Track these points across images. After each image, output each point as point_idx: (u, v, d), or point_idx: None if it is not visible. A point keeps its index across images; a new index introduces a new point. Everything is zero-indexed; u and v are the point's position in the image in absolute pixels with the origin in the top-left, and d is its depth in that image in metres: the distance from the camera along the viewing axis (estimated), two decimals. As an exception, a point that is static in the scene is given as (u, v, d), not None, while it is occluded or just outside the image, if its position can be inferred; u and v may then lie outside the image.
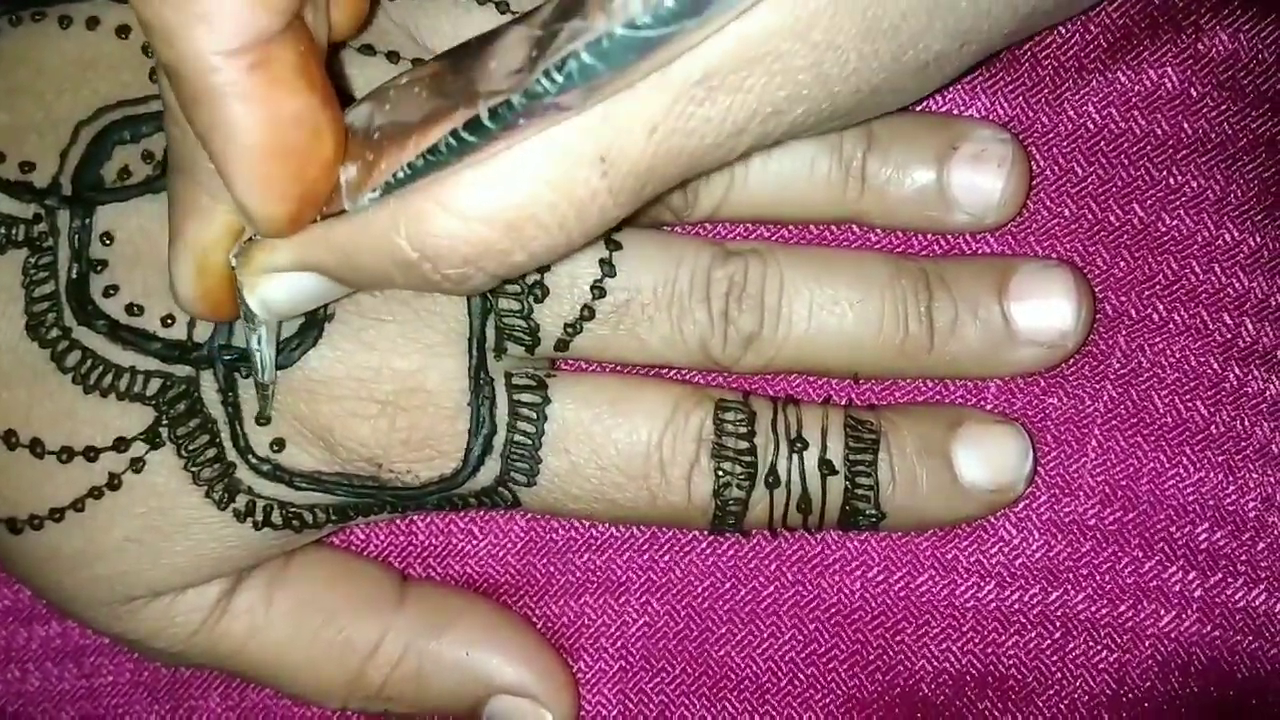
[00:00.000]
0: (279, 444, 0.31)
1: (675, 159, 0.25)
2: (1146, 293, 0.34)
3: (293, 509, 0.32)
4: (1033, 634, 0.35)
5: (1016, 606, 0.35)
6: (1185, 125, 0.34)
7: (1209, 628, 0.35)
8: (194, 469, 0.31)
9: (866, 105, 0.26)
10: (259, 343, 0.29)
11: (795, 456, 0.32)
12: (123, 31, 0.31)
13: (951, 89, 0.34)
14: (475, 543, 0.36)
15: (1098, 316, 0.34)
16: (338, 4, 0.27)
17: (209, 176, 0.26)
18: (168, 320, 0.31)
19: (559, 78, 0.22)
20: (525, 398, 0.32)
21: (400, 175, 0.24)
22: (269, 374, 0.30)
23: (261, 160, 0.24)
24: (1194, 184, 0.34)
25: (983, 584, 0.35)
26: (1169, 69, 0.34)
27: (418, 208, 0.25)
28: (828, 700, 0.36)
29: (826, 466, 0.32)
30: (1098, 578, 0.35)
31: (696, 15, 0.22)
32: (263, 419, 0.31)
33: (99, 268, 0.31)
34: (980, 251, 0.35)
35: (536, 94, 0.23)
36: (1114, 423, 0.35)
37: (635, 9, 0.21)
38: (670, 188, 0.26)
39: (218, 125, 0.24)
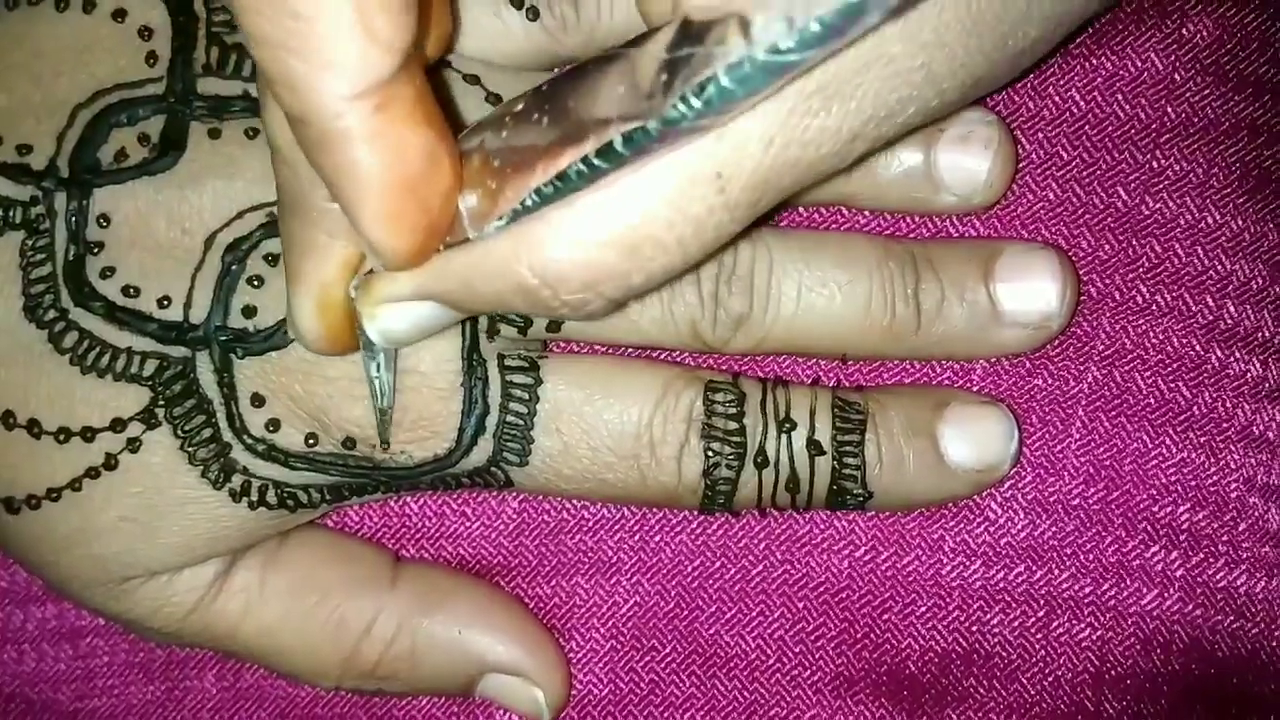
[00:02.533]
0: (274, 424, 0.32)
1: (791, 170, 0.25)
2: (1130, 275, 0.35)
3: (288, 489, 0.32)
4: (1017, 612, 0.35)
5: (1001, 585, 0.35)
6: (1169, 109, 0.35)
7: (1191, 607, 0.35)
8: (190, 449, 0.32)
9: (968, 97, 0.27)
10: (377, 370, 0.30)
11: (784, 437, 0.33)
12: (119, 15, 0.31)
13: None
14: (468, 524, 0.37)
15: (1082, 298, 0.35)
16: (427, 31, 0.27)
17: (323, 215, 0.27)
18: (164, 301, 0.31)
19: (696, 102, 0.22)
20: (517, 378, 0.32)
21: (529, 202, 0.24)
22: (388, 400, 0.30)
23: (389, 198, 0.24)
24: (1177, 168, 0.35)
25: (968, 563, 0.35)
26: (1153, 54, 0.34)
27: (538, 234, 0.25)
28: (816, 678, 0.36)
29: (814, 447, 0.33)
30: (1081, 557, 0.35)
31: (839, 37, 0.21)
32: (384, 444, 0.31)
33: (96, 249, 0.31)
34: (967, 234, 0.35)
35: (672, 119, 0.22)
36: (1098, 404, 0.35)
37: (778, 34, 0.21)
38: (785, 199, 0.26)
39: (345, 168, 0.24)
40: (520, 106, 0.25)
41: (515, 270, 0.25)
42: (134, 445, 0.31)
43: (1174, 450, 0.35)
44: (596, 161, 0.23)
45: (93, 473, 0.31)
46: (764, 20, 0.21)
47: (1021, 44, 0.26)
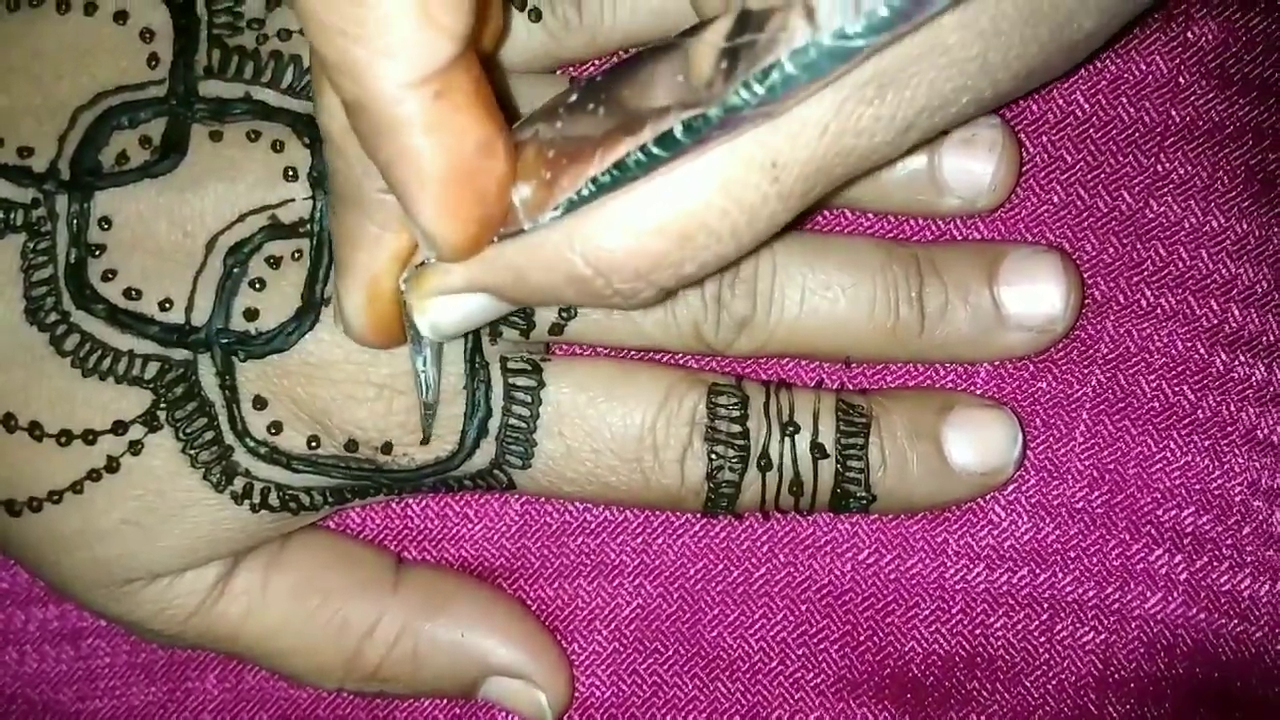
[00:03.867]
0: (276, 427, 0.32)
1: (844, 159, 0.25)
2: (1134, 278, 0.35)
3: (290, 491, 0.32)
4: (1021, 615, 0.35)
5: (1005, 588, 0.35)
6: (1173, 113, 0.34)
7: (1195, 610, 0.35)
8: (192, 452, 0.31)
9: (1020, 88, 0.26)
10: (424, 364, 0.30)
11: (787, 440, 0.33)
12: (120, 17, 0.31)
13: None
14: (470, 526, 0.37)
15: (1086, 302, 0.35)
16: (484, 24, 0.27)
17: (375, 206, 0.27)
18: (165, 304, 0.31)
19: (759, 89, 0.22)
20: (520, 381, 0.32)
21: (585, 192, 0.24)
22: (433, 394, 0.30)
23: (446, 187, 0.24)
24: (1181, 171, 0.34)
25: (972, 566, 0.35)
26: (1158, 57, 0.34)
27: (592, 223, 0.25)
28: (819, 680, 0.36)
29: (818, 450, 0.33)
30: (1085, 560, 0.35)
31: (906, 22, 0.21)
32: (426, 440, 0.31)
33: (97, 252, 0.31)
34: (971, 237, 0.35)
35: (735, 106, 0.22)
36: (1102, 407, 0.35)
37: (845, 19, 0.21)
38: (837, 188, 0.26)
39: (403, 155, 0.24)
40: (574, 97, 0.25)
41: (568, 260, 0.25)
42: (136, 448, 0.31)
43: (1178, 454, 0.35)
44: (655, 150, 0.23)
45: (94, 475, 0.31)
46: (830, 5, 0.21)
47: (1076, 35, 0.26)
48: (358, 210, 0.27)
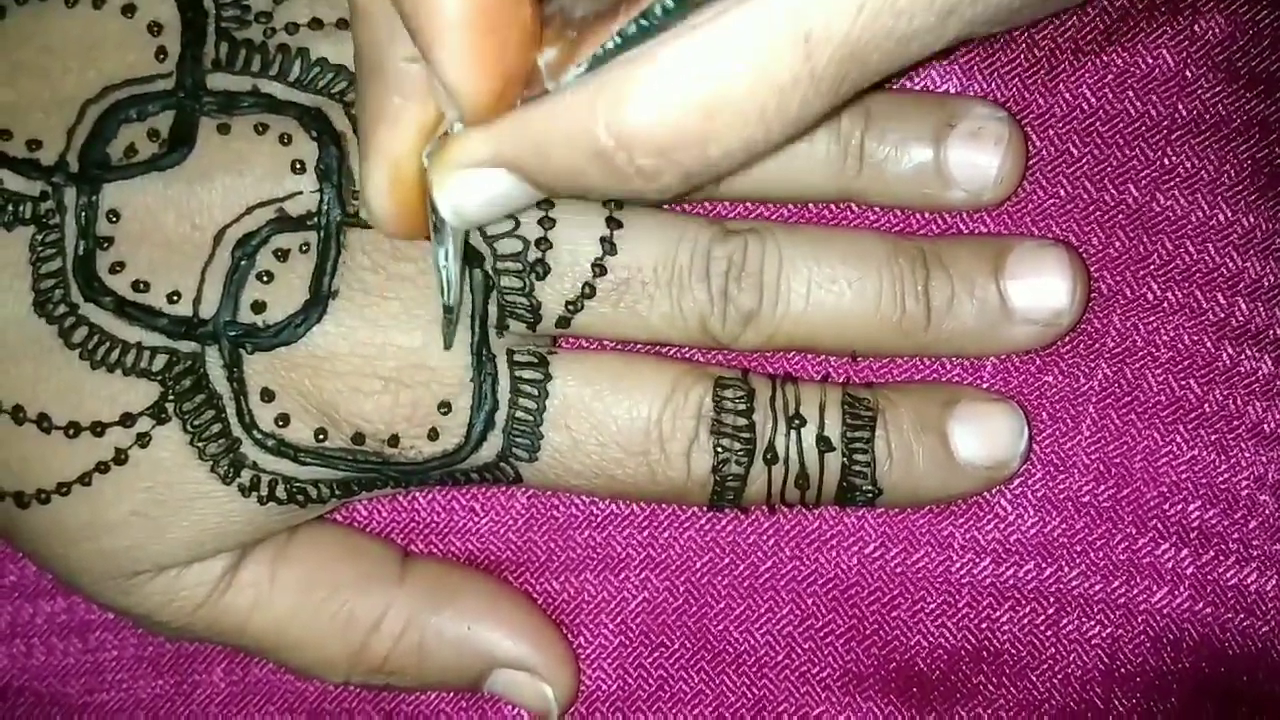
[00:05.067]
0: (283, 419, 0.32)
1: (881, 43, 0.23)
2: (1141, 272, 0.35)
3: (297, 484, 0.32)
4: (1027, 609, 0.35)
5: (1011, 582, 0.35)
6: (1180, 106, 0.34)
7: (1201, 605, 0.35)
8: (199, 444, 0.32)
9: None
10: (445, 258, 0.29)
11: (793, 433, 0.33)
12: (128, 10, 0.31)
13: (949, 70, 0.35)
14: (477, 519, 0.37)
15: (1092, 295, 0.35)
16: None
17: (399, 76, 0.26)
18: (173, 297, 0.31)
19: None
20: (527, 374, 0.32)
21: (611, 45, 0.24)
22: (454, 294, 0.30)
23: (469, 33, 0.24)
24: (1188, 164, 0.34)
25: (978, 560, 0.35)
26: (1164, 51, 0.34)
27: (615, 90, 0.24)
28: (825, 674, 0.36)
29: (824, 443, 0.33)
30: (1091, 554, 0.35)
31: None
32: (447, 345, 0.31)
33: (105, 244, 0.31)
34: (977, 231, 0.35)
35: None
36: (1108, 401, 0.35)
37: None
38: (871, 85, 0.25)
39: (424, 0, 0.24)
40: None
41: (590, 130, 0.24)
42: (143, 440, 0.31)
43: (1184, 447, 0.35)
44: None
45: (102, 467, 0.31)
46: None
47: None
48: (381, 82, 0.27)
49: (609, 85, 0.24)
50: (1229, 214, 0.34)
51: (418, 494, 0.36)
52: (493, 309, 0.32)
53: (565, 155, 0.25)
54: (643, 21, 0.23)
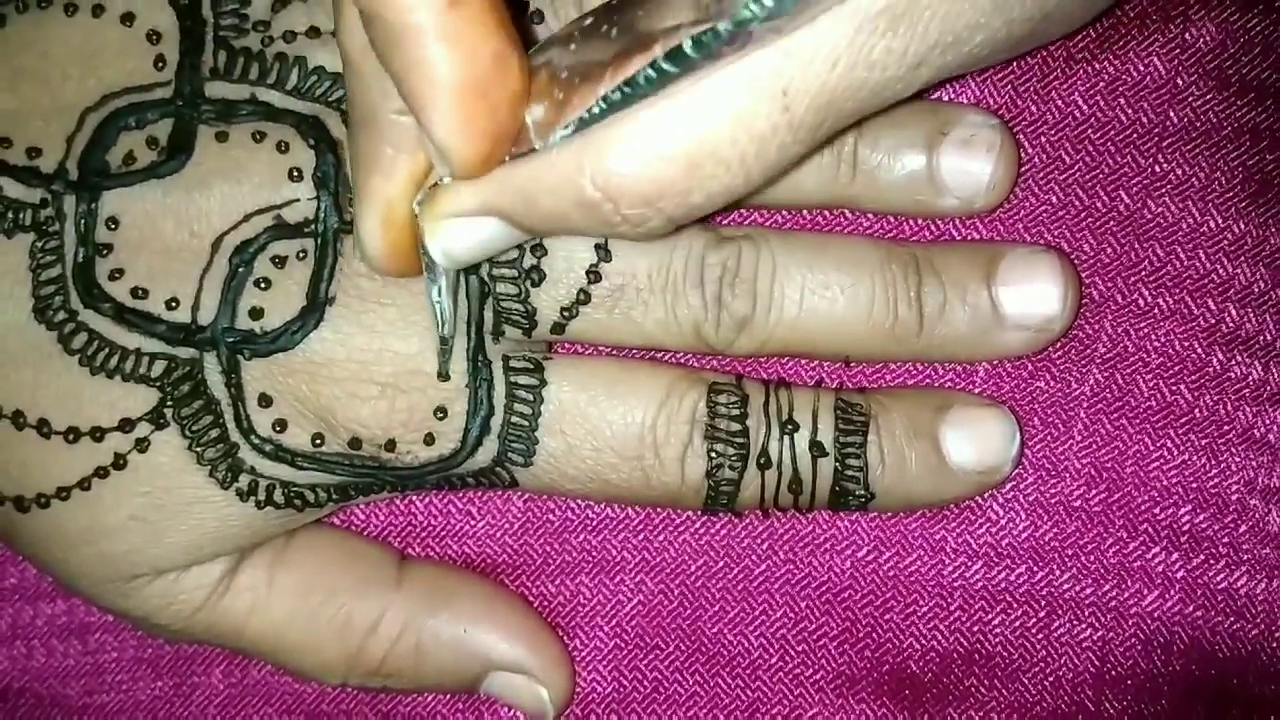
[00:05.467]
0: (281, 425, 0.32)
1: (855, 93, 0.24)
2: (1132, 278, 0.35)
3: (294, 488, 0.33)
4: (1018, 613, 0.35)
5: (1003, 586, 0.35)
6: (1171, 114, 0.35)
7: (1191, 608, 0.35)
8: (198, 449, 0.32)
9: (1036, 34, 0.26)
10: (439, 294, 0.30)
11: (786, 438, 0.33)
12: (127, 19, 0.32)
13: (942, 78, 0.35)
14: (473, 523, 0.37)
15: (1084, 301, 0.35)
16: None
17: (390, 128, 0.27)
18: (172, 303, 0.31)
19: (768, 1, 0.22)
20: (522, 380, 0.32)
21: (596, 110, 0.25)
22: (449, 327, 0.31)
23: (459, 97, 0.25)
24: (1179, 171, 0.35)
25: (970, 564, 0.36)
26: (1156, 59, 0.35)
27: (601, 145, 0.25)
28: (818, 677, 0.36)
29: (817, 448, 0.33)
30: (1082, 558, 0.35)
31: None
32: (443, 376, 0.32)
33: (104, 251, 0.31)
34: (969, 237, 0.35)
35: (743, 19, 0.22)
36: (1100, 406, 0.35)
37: None
38: (845, 127, 0.26)
39: (417, 64, 0.24)
40: (589, 22, 0.26)
41: (577, 182, 0.25)
42: (142, 445, 0.32)
43: (1175, 452, 0.35)
44: (665, 66, 0.23)
45: (102, 472, 0.32)
46: None
47: None
48: (373, 133, 0.27)
49: (593, 141, 0.25)
50: (1219, 220, 0.35)
51: (415, 498, 0.37)
52: (488, 315, 0.32)
53: (552, 205, 0.26)
54: (626, 89, 0.24)
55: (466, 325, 0.32)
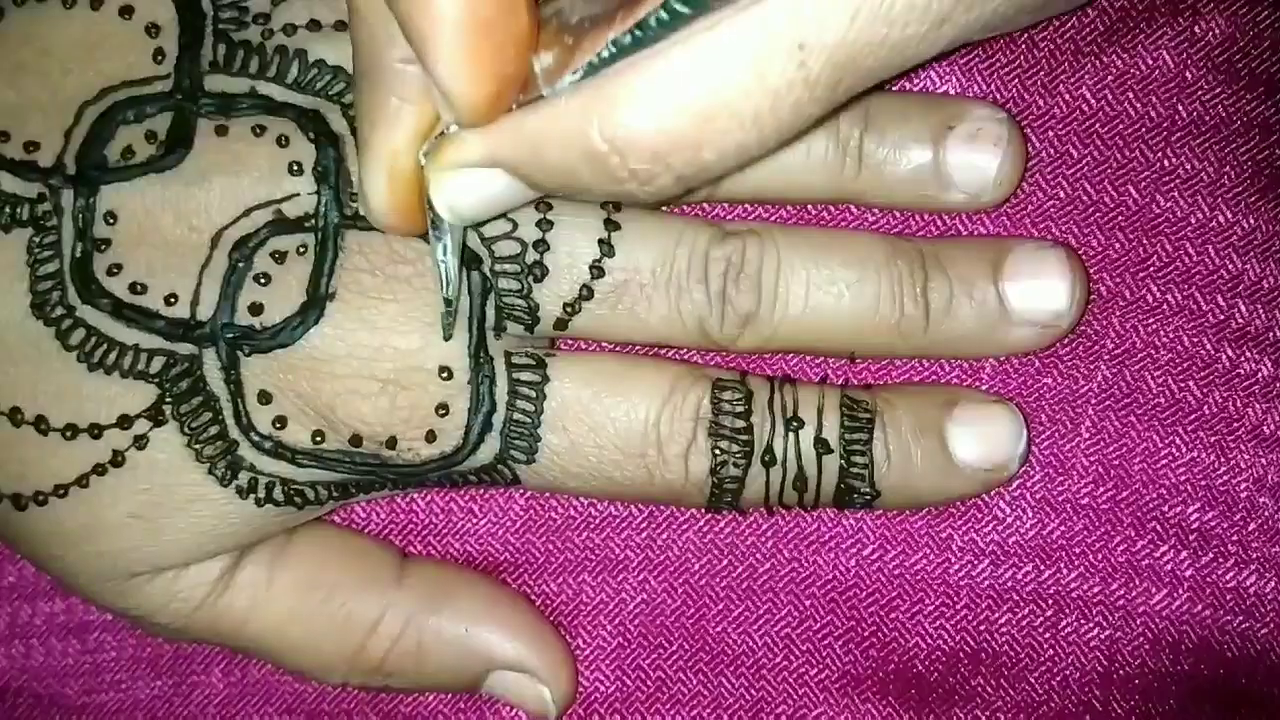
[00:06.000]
0: (281, 421, 0.32)
1: (875, 50, 0.24)
2: (1141, 274, 0.35)
3: (294, 486, 0.32)
4: (1025, 611, 0.35)
5: (1010, 584, 0.35)
6: (1180, 108, 0.34)
7: (1200, 607, 0.35)
8: (197, 446, 0.32)
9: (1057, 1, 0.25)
10: (444, 253, 0.29)
11: (791, 435, 0.33)
12: (126, 12, 0.31)
13: (948, 71, 0.35)
14: (475, 521, 0.37)
15: (1092, 297, 0.34)
16: None
17: (396, 77, 0.27)
18: (170, 299, 0.31)
19: None
20: (525, 376, 0.32)
21: (605, 54, 0.24)
22: (453, 288, 0.30)
23: (465, 36, 0.24)
24: (1188, 166, 0.34)
25: (977, 562, 0.35)
26: (1164, 52, 0.34)
27: (610, 95, 0.24)
28: (823, 676, 0.36)
29: (822, 445, 0.33)
30: (1090, 556, 0.35)
31: None
32: (446, 337, 0.31)
33: (103, 247, 0.31)
34: (976, 232, 0.35)
35: None
36: (1108, 403, 0.35)
37: None
38: (866, 90, 0.25)
39: (422, 3, 0.24)
40: None
41: (585, 134, 0.24)
42: (141, 442, 0.31)
43: (1184, 450, 0.35)
44: (678, 7, 0.23)
45: (100, 469, 0.31)
46: None
47: None
48: (379, 83, 0.27)
49: (603, 90, 0.24)
50: (1229, 216, 0.34)
51: (416, 495, 0.36)
52: (490, 311, 0.32)
53: (560, 157, 0.25)
54: (638, 32, 0.24)
55: (469, 321, 0.32)
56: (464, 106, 0.25)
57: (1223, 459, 0.35)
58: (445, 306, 0.31)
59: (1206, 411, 0.35)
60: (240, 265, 0.31)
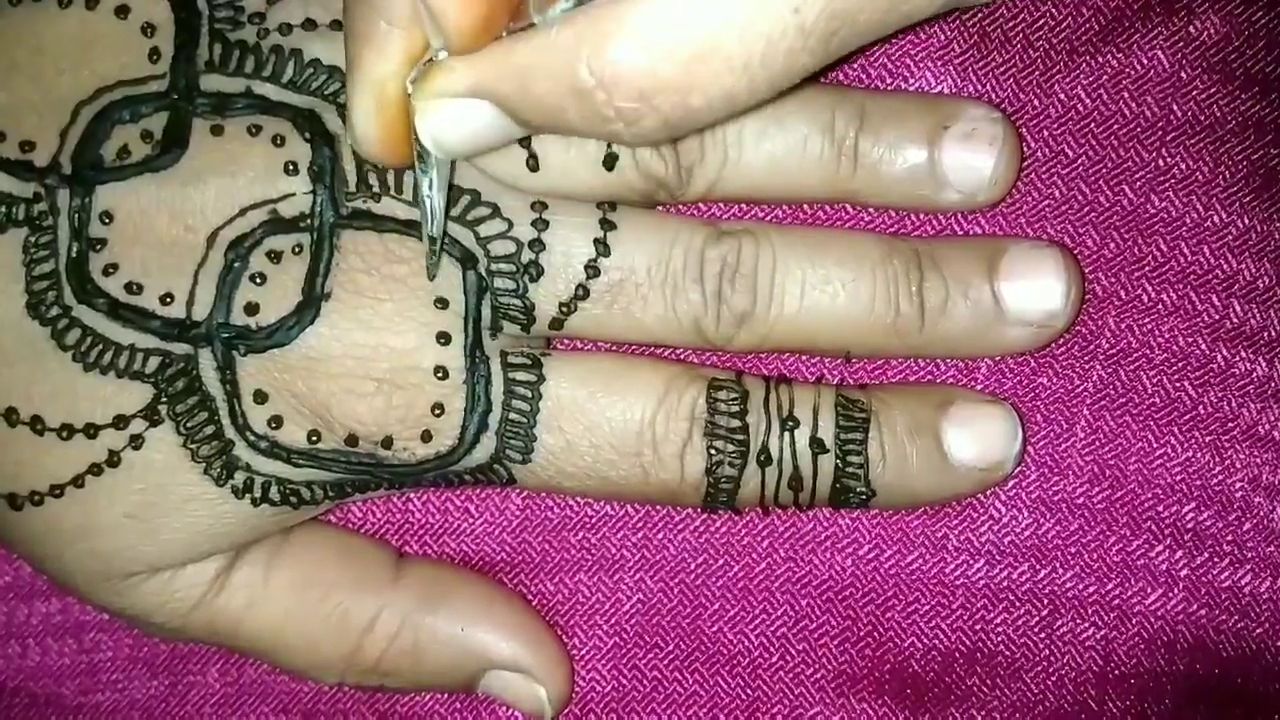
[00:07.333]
0: (276, 421, 0.32)
1: (872, 1, 0.23)
2: (1135, 273, 0.35)
3: (290, 485, 0.32)
4: (1021, 611, 0.35)
5: (1005, 584, 0.35)
6: (1175, 107, 0.34)
7: (1195, 607, 0.35)
8: (192, 446, 0.32)
9: None
10: (429, 188, 0.29)
11: (787, 435, 0.33)
12: (122, 11, 0.31)
13: (943, 71, 0.35)
14: (471, 520, 0.37)
15: (1087, 297, 0.34)
16: None
17: (385, 1, 0.26)
18: (166, 299, 0.31)
19: None
20: (520, 376, 0.32)
21: None
22: (438, 225, 0.30)
23: None
24: (1183, 166, 0.34)
25: (972, 561, 0.35)
26: (1159, 52, 0.34)
27: (601, 28, 0.24)
28: (819, 675, 0.36)
29: (818, 445, 0.33)
30: (1085, 556, 0.35)
31: None
32: (431, 276, 0.31)
33: (98, 246, 0.31)
34: (971, 232, 0.35)
35: None
36: (1103, 402, 0.35)
37: None
38: (860, 46, 0.25)
39: None
40: None
41: (573, 68, 0.24)
42: (137, 442, 0.31)
43: (1179, 449, 0.35)
44: None
45: (96, 469, 0.31)
46: None
47: None
48: (368, 6, 0.27)
49: (595, 23, 0.24)
50: (1224, 215, 0.34)
51: (412, 495, 0.36)
52: (486, 311, 0.32)
53: (546, 91, 0.25)
54: None
55: (464, 321, 0.32)
56: (453, 30, 0.25)
57: (1218, 458, 0.35)
58: (429, 244, 0.31)
59: (1202, 411, 0.35)
60: (236, 265, 0.31)
